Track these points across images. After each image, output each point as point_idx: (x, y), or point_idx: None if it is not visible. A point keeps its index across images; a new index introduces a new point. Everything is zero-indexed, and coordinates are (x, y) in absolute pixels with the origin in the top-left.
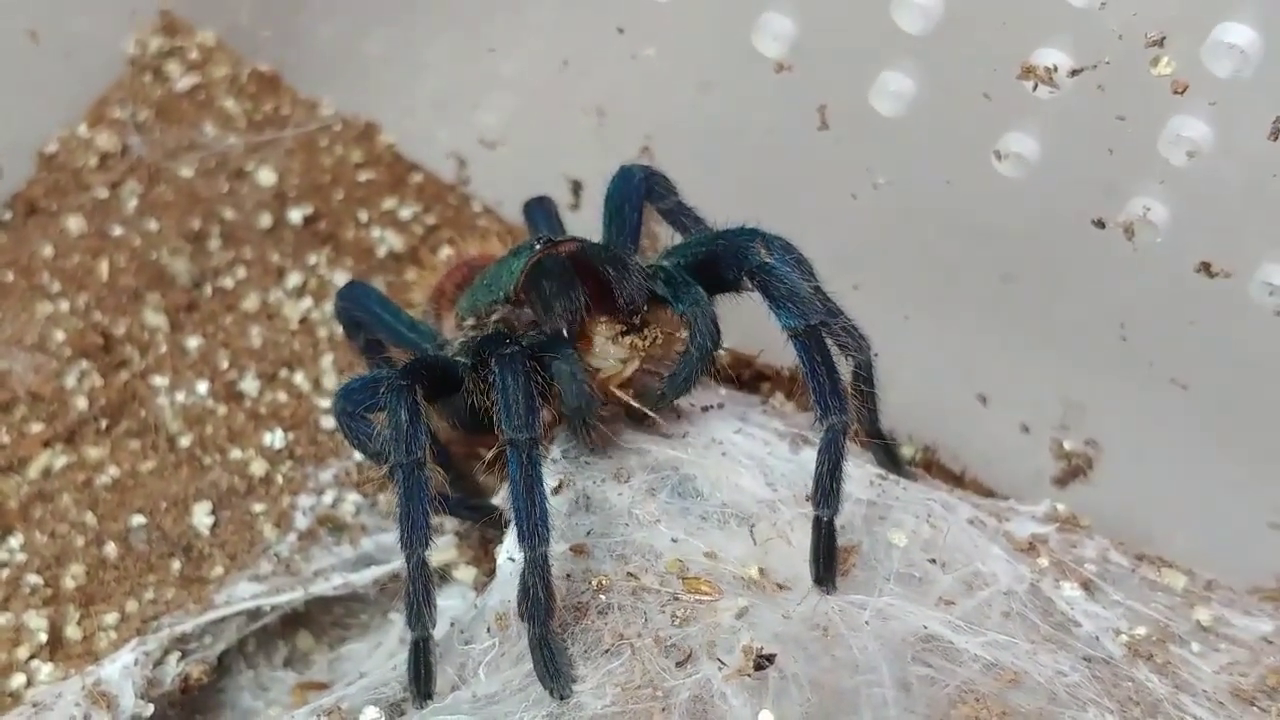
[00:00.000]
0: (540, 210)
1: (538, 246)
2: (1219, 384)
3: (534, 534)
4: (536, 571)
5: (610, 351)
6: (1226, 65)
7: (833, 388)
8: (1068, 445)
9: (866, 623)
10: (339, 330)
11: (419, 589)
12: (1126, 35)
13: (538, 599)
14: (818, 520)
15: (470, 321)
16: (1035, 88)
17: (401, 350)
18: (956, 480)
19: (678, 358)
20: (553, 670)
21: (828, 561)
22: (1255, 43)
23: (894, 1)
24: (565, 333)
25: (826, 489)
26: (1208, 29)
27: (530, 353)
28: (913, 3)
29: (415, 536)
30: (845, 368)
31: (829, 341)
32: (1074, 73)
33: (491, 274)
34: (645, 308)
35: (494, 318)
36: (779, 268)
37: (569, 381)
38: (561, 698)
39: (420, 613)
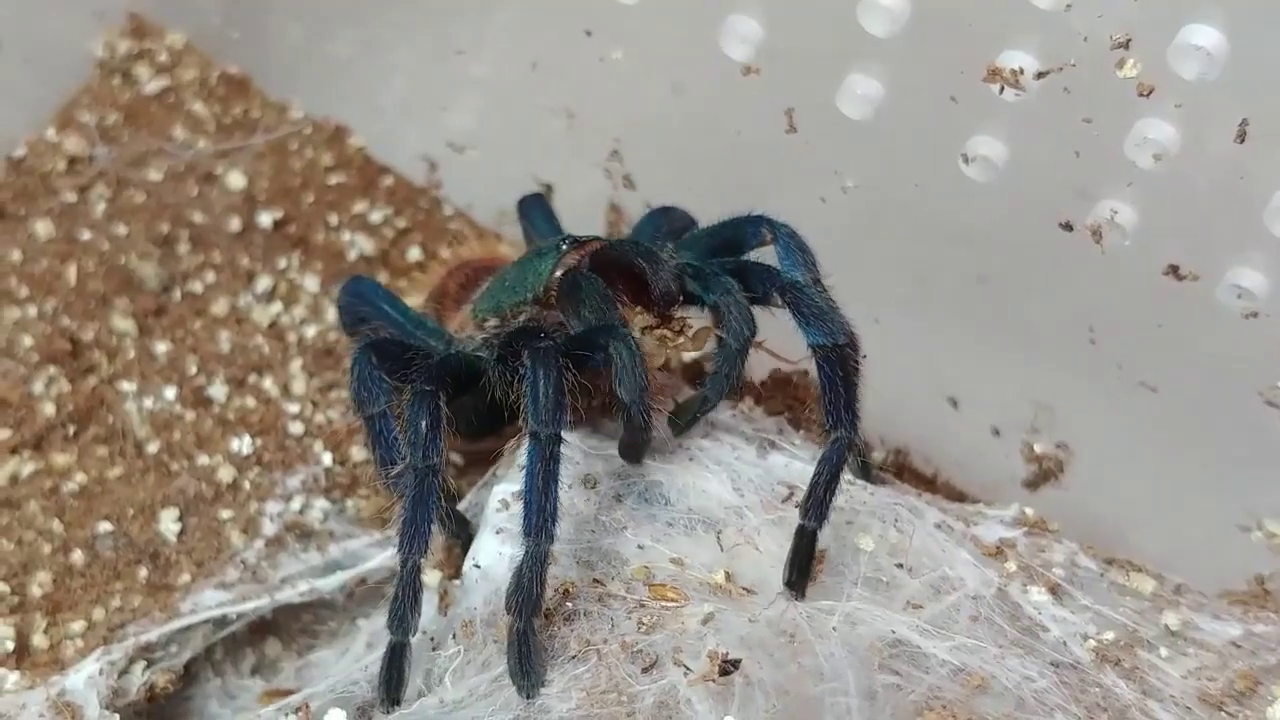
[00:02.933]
0: (537, 207)
1: (564, 247)
2: (1188, 387)
3: (541, 529)
4: (535, 566)
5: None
6: (1192, 67)
7: (848, 403)
8: (1038, 448)
9: (834, 629)
10: (308, 334)
11: (407, 594)
12: (1092, 37)
13: (529, 593)
14: (801, 529)
15: (493, 322)
16: (1001, 90)
17: None
18: (928, 483)
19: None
20: (526, 667)
21: (803, 569)
22: (1221, 45)
23: (860, 4)
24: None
25: (819, 499)
26: (1173, 31)
27: (564, 349)
28: (878, 5)
29: (416, 543)
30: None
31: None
32: (1040, 75)
33: (514, 274)
34: (680, 299)
35: (521, 318)
36: (807, 287)
37: (630, 364)
38: (528, 697)
39: (405, 618)
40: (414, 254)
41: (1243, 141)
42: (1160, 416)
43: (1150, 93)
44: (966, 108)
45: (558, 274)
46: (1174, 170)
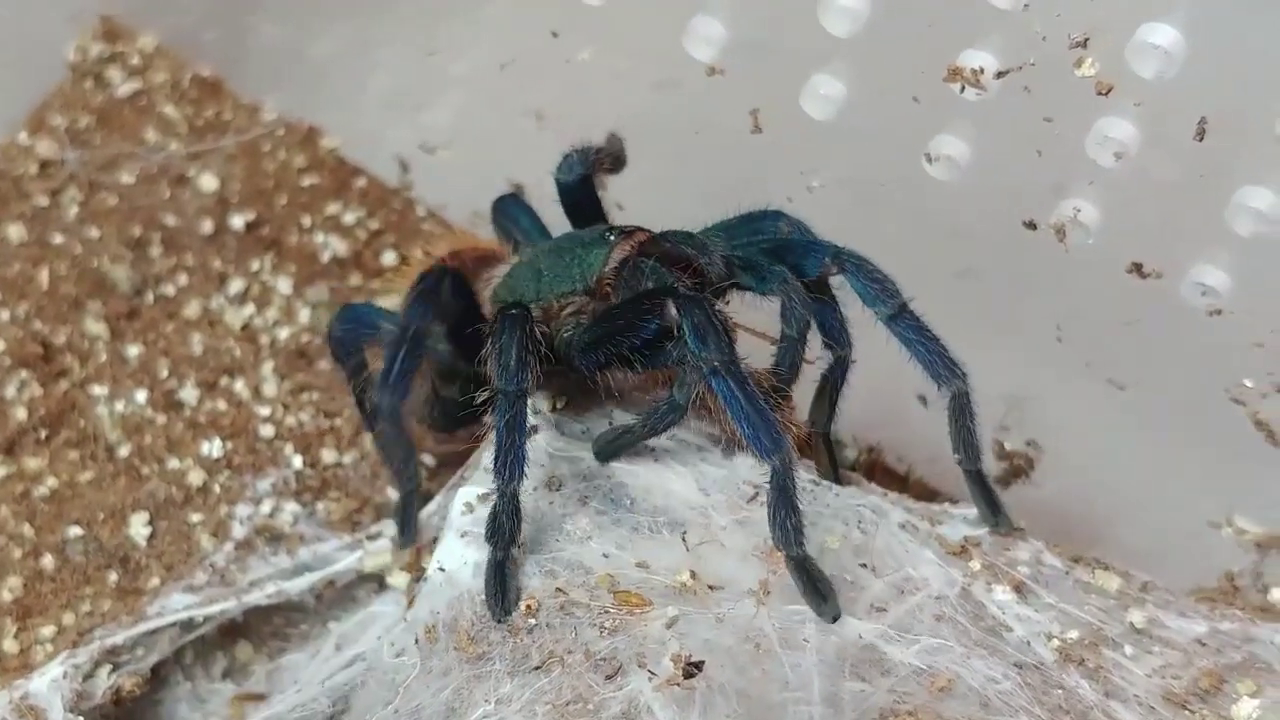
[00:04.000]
0: (516, 206)
1: (612, 237)
2: (1156, 384)
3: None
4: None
5: None
6: (1151, 66)
7: (940, 353)
8: (1009, 445)
9: (805, 639)
10: (281, 336)
11: (509, 517)
12: (1051, 37)
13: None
14: (974, 472)
15: (536, 314)
16: (962, 90)
17: None
18: (901, 481)
19: None
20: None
21: (991, 502)
22: (1179, 43)
23: (820, 5)
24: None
25: (969, 443)
26: (1131, 30)
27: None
28: (839, 5)
29: (512, 469)
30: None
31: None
32: (1000, 74)
33: (551, 264)
34: (731, 285)
35: (568, 310)
36: (858, 254)
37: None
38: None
39: (506, 535)
40: (389, 257)
41: (1202, 139)
42: (1130, 413)
43: (1109, 91)
44: (929, 107)
45: (611, 265)
46: (1136, 168)
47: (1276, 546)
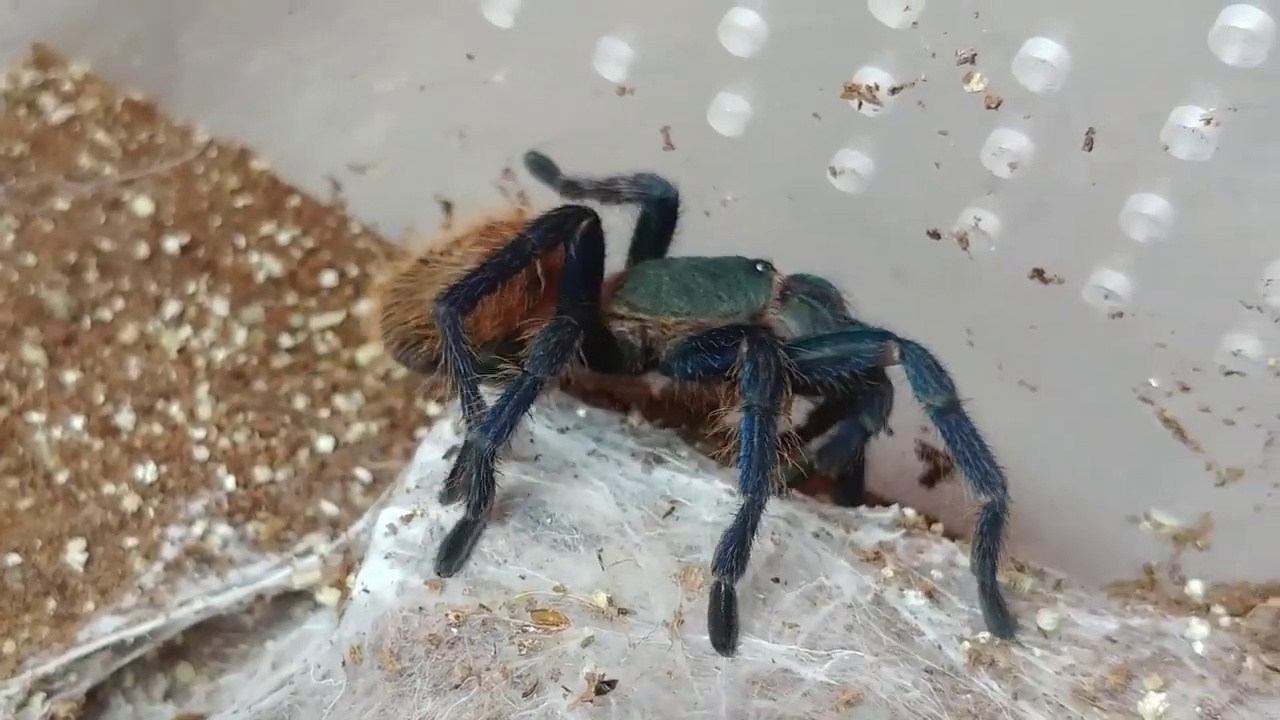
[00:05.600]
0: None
1: (768, 271)
2: (1067, 385)
3: None
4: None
5: None
6: (1038, 80)
7: (989, 461)
8: (930, 445)
9: (718, 666)
10: (217, 358)
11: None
12: (940, 54)
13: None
14: (986, 585)
15: (685, 323)
16: (860, 106)
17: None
18: (827, 482)
19: None
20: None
21: (1000, 612)
22: (1063, 58)
23: (722, 26)
24: None
25: (990, 556)
26: (1017, 46)
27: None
28: (739, 27)
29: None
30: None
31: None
32: (894, 90)
33: (710, 286)
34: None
35: (720, 325)
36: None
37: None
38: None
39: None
40: (329, 279)
41: (1091, 149)
42: (1043, 414)
43: (999, 105)
44: (829, 123)
45: (774, 296)
46: (1031, 178)
47: (1192, 540)
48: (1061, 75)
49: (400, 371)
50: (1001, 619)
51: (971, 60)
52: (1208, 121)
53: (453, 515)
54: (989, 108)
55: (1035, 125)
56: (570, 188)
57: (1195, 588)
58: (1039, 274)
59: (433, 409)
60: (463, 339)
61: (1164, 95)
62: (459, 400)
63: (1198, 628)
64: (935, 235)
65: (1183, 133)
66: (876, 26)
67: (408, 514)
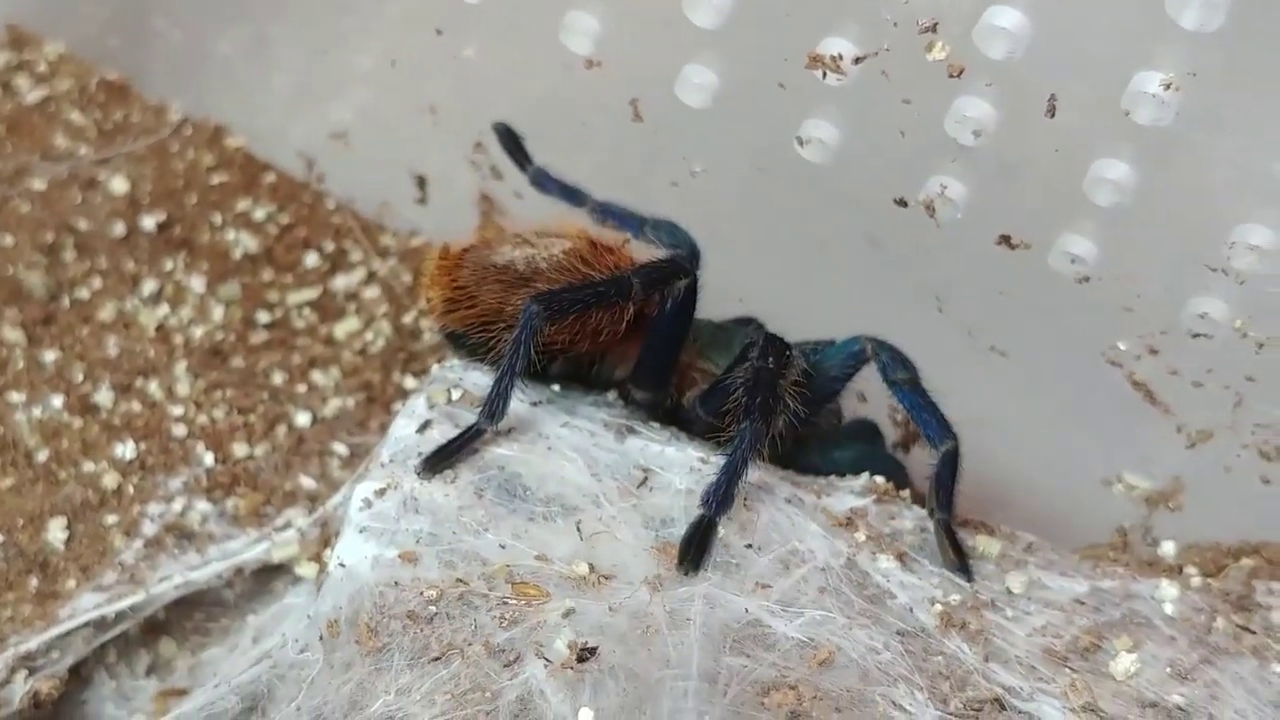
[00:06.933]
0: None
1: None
2: (1037, 350)
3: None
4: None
5: None
6: (1000, 48)
7: (942, 418)
8: (901, 414)
9: (689, 619)
10: (195, 335)
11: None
12: (901, 23)
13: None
14: (944, 521)
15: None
16: (824, 76)
17: None
18: None
19: None
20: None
21: (958, 551)
22: (1024, 25)
23: None
24: None
25: (947, 495)
26: (978, 14)
27: None
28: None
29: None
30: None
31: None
32: (858, 60)
33: (720, 342)
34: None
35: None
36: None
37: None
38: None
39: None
40: (305, 255)
41: (1053, 116)
42: (1015, 379)
43: (961, 73)
44: (795, 93)
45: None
46: (995, 145)
47: (1164, 502)
48: (1022, 43)
49: (378, 345)
50: (957, 558)
51: (933, 29)
52: (1167, 87)
53: (426, 488)
54: (951, 76)
55: (997, 93)
56: (572, 195)
57: (1168, 549)
58: (1006, 240)
59: (410, 382)
60: (535, 341)
61: (1124, 61)
62: (493, 387)
63: (1168, 589)
64: (902, 203)
65: (1143, 98)
66: None
67: (381, 488)
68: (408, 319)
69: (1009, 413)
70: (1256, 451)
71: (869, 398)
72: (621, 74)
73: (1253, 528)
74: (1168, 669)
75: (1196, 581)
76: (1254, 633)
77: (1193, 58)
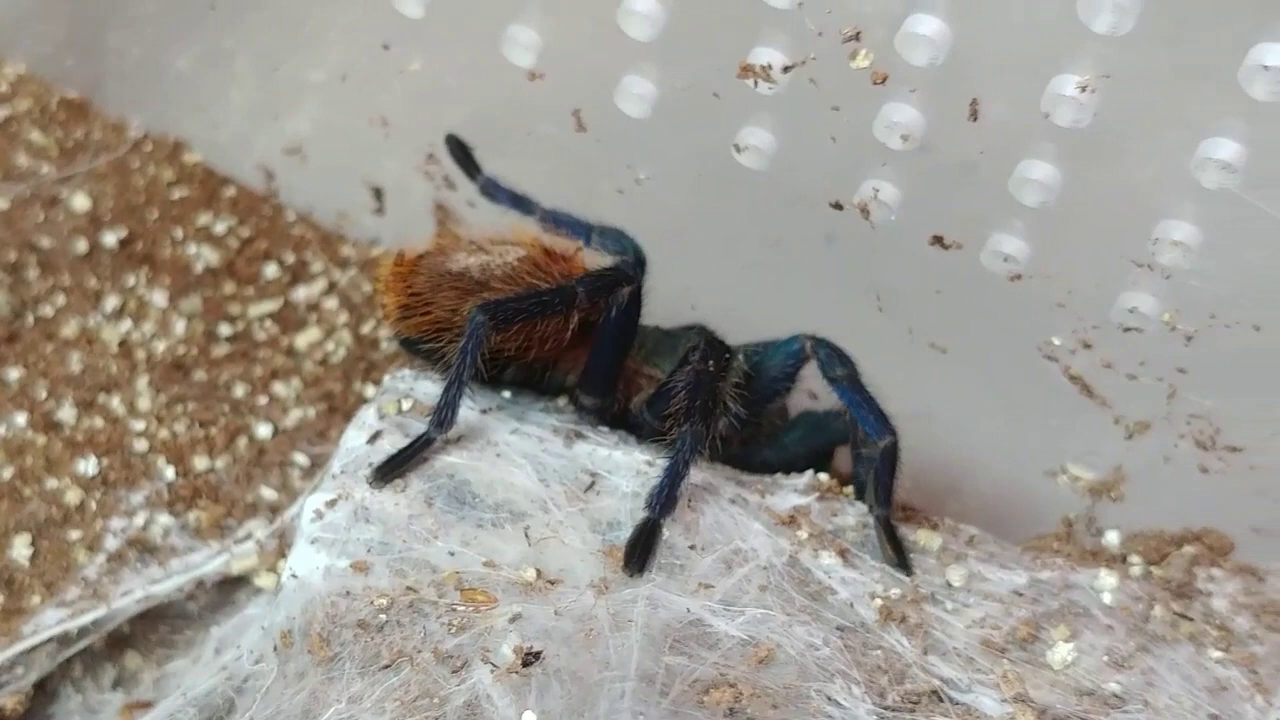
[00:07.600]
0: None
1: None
2: (975, 347)
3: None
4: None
5: None
6: (922, 55)
7: (882, 413)
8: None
9: (631, 620)
10: (158, 349)
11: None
12: (826, 32)
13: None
14: (884, 518)
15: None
16: (756, 85)
17: None
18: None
19: None
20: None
21: (898, 547)
22: (944, 32)
23: (620, 12)
24: None
25: (886, 490)
26: (899, 22)
27: None
28: (635, 12)
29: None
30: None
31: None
32: (786, 69)
33: (666, 348)
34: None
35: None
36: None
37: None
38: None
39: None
40: (270, 270)
41: (976, 119)
42: (955, 375)
43: (885, 80)
44: (730, 103)
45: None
46: (924, 148)
47: (1107, 491)
48: (943, 49)
49: (339, 355)
50: (895, 553)
51: (856, 38)
52: (1084, 89)
53: (377, 498)
54: (875, 83)
55: (922, 98)
56: (521, 203)
57: (1112, 538)
58: (939, 240)
59: (370, 391)
60: (480, 350)
61: (1042, 65)
62: (442, 396)
63: (1106, 579)
64: (838, 206)
65: (1062, 100)
66: (765, 8)
67: (332, 499)
68: (368, 329)
69: (951, 408)
70: (1193, 441)
71: (819, 395)
72: (564, 85)
73: (1194, 515)
74: (1105, 657)
75: (1138, 570)
76: (1191, 620)
77: (1106, 60)
